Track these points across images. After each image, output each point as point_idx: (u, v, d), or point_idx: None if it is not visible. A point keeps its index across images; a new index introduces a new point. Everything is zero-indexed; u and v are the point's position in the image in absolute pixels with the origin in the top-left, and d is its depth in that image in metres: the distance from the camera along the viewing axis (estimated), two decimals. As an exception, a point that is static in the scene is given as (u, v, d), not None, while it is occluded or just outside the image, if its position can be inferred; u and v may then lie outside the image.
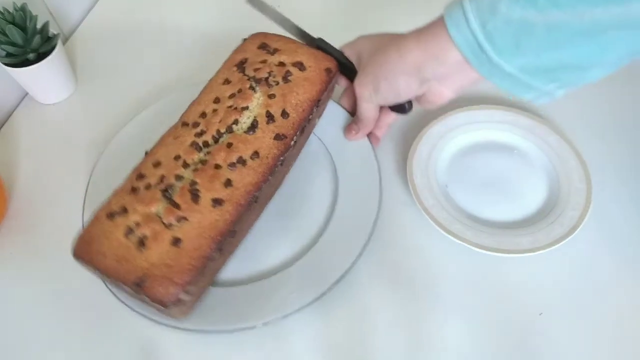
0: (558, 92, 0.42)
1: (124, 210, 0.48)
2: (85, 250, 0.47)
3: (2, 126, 0.71)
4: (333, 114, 0.63)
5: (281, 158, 0.53)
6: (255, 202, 0.51)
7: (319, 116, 0.61)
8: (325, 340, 0.51)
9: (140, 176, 0.51)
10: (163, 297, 0.44)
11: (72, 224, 0.59)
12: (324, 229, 0.56)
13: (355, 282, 0.53)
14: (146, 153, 0.53)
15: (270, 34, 0.60)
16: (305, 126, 0.56)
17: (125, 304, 0.50)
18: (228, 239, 0.49)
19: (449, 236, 0.54)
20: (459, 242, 0.53)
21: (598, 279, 0.53)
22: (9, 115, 0.72)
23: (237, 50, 0.60)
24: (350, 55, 0.58)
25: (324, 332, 0.51)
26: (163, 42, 0.79)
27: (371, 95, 0.54)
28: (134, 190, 0.49)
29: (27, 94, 0.73)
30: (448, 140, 0.61)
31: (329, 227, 0.55)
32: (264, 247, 0.56)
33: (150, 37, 0.80)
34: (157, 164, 0.51)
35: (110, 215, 0.48)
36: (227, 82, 0.56)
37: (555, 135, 0.60)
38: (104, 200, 0.51)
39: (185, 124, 0.54)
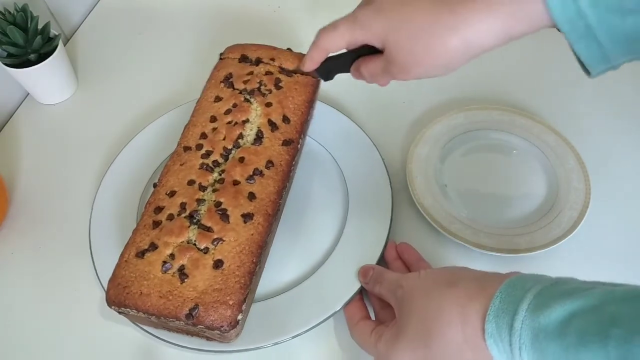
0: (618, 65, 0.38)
1: (153, 246, 0.47)
2: (123, 295, 0.45)
3: (3, 127, 0.71)
4: (331, 118, 0.64)
5: (293, 162, 0.54)
6: (278, 209, 0.51)
7: (312, 116, 0.61)
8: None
9: (158, 209, 0.49)
10: (221, 321, 0.44)
11: (73, 224, 0.59)
12: (332, 249, 0.55)
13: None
14: (154, 185, 0.52)
15: (247, 44, 0.60)
16: (305, 128, 0.56)
17: (177, 345, 0.49)
18: (263, 250, 0.49)
19: (448, 236, 0.54)
20: (458, 241, 0.53)
21: (596, 279, 0.53)
22: (11, 116, 0.72)
23: (217, 67, 0.59)
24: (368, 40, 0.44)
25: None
26: (164, 42, 0.79)
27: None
28: (156, 224, 0.48)
29: (28, 94, 0.73)
30: (447, 141, 0.62)
31: (337, 248, 0.55)
32: (275, 263, 0.55)
33: (151, 37, 0.80)
34: (172, 193, 0.50)
35: (140, 254, 0.47)
36: (218, 99, 0.56)
37: (554, 135, 0.61)
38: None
39: (187, 148, 0.53)
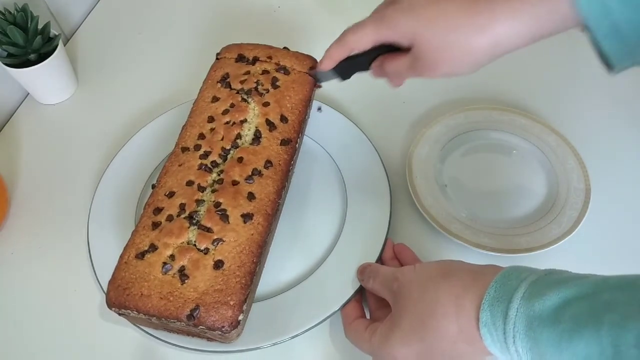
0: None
1: (153, 247, 0.47)
2: (124, 297, 0.45)
3: (3, 126, 0.71)
4: (330, 118, 0.64)
5: (291, 162, 0.54)
6: (277, 209, 0.51)
7: (309, 115, 0.62)
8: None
9: (157, 210, 0.49)
10: (222, 322, 0.44)
11: (73, 224, 0.59)
12: (331, 248, 0.55)
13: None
14: (153, 186, 0.52)
15: (243, 44, 0.60)
16: (303, 127, 0.56)
17: (177, 345, 0.49)
18: (263, 250, 0.49)
19: (448, 236, 0.54)
20: (458, 241, 0.53)
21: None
22: (11, 116, 0.72)
23: (214, 67, 0.59)
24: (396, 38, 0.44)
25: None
26: (163, 42, 0.79)
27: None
28: (155, 225, 0.48)
29: (28, 94, 0.73)
30: (447, 141, 0.61)
31: (335, 247, 0.55)
32: (274, 263, 0.55)
33: (150, 37, 0.80)
34: (171, 194, 0.50)
35: (140, 255, 0.47)
36: (215, 99, 0.56)
37: (554, 135, 0.61)
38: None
39: (185, 149, 0.53)
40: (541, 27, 0.38)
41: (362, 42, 0.46)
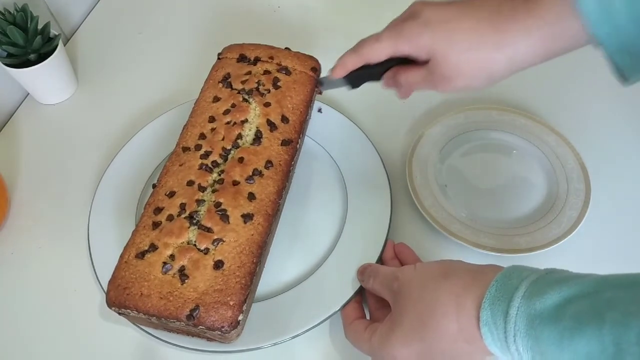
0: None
1: (153, 247, 0.47)
2: (124, 297, 0.45)
3: (3, 127, 0.71)
4: (331, 118, 0.64)
5: (292, 162, 0.54)
6: (278, 209, 0.51)
7: (310, 116, 0.62)
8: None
9: (157, 209, 0.49)
10: (222, 322, 0.44)
11: (73, 224, 0.59)
12: (331, 249, 0.55)
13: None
14: (154, 186, 0.52)
15: (245, 44, 0.60)
16: (304, 127, 0.56)
17: (177, 345, 0.49)
18: (263, 250, 0.49)
19: (448, 236, 0.54)
20: (458, 241, 0.53)
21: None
22: (10, 116, 0.72)
23: (215, 67, 0.59)
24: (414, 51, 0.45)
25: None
26: (164, 42, 0.79)
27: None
28: (155, 225, 0.48)
29: (28, 94, 0.73)
30: (447, 141, 0.62)
31: (336, 248, 0.55)
32: (274, 263, 0.55)
33: (151, 37, 0.80)
34: (171, 194, 0.50)
35: (140, 255, 0.47)
36: (216, 99, 0.56)
37: (554, 135, 0.61)
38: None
39: (186, 149, 0.53)
40: (555, 45, 0.40)
41: (378, 54, 0.46)
